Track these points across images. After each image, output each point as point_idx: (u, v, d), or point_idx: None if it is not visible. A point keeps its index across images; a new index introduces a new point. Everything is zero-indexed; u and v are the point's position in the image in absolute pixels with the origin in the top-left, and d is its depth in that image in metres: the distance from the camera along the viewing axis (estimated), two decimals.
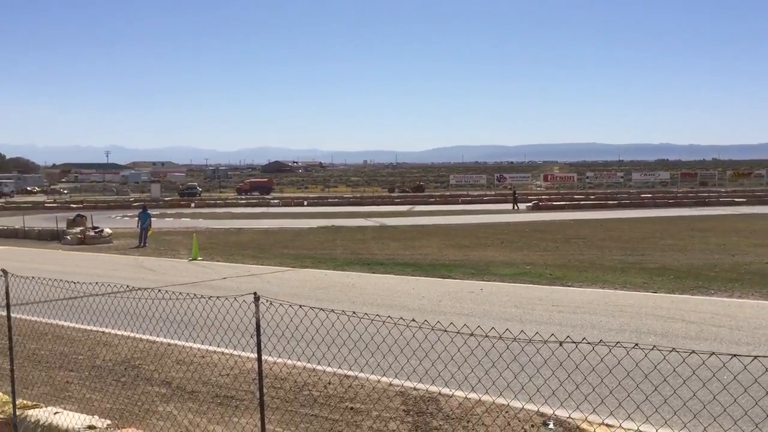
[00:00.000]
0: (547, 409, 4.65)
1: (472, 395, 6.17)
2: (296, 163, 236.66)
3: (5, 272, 5.76)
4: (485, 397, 5.69)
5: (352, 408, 7.33)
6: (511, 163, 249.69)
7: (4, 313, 10.78)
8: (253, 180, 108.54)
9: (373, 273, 18.75)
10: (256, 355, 8.17)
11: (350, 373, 7.87)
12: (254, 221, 43.67)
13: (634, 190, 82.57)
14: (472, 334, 3.81)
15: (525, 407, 5.49)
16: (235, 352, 8.82)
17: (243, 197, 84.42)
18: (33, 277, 5.96)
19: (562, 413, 4.53)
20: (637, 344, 3.44)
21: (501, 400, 5.59)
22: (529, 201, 59.31)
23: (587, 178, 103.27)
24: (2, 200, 79.42)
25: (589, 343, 3.51)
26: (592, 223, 37.71)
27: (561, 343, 3.47)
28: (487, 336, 3.73)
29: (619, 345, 3.45)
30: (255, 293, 4.50)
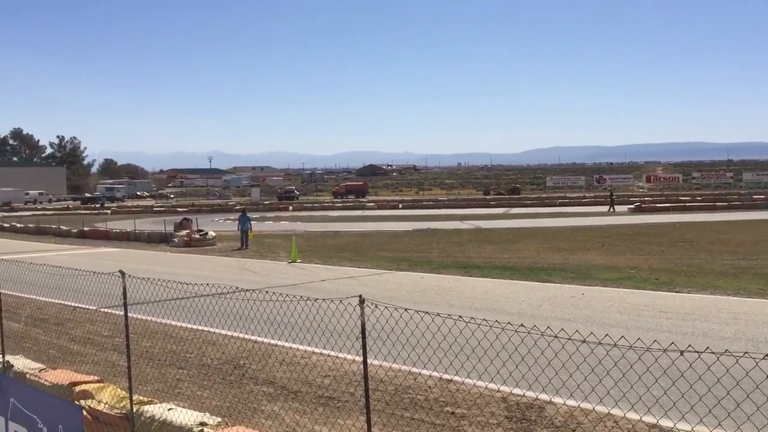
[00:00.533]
0: (667, 422, 4.43)
1: (579, 403, 5.98)
2: (390, 166, 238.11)
3: (123, 273, 6.04)
4: (591, 406, 5.49)
5: (453, 413, 7.28)
6: (611, 163, 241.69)
7: (121, 312, 11.30)
8: (348, 183, 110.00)
9: (470, 276, 18.60)
10: (356, 357, 8.29)
11: (451, 377, 7.79)
12: (350, 224, 44.23)
13: (746, 191, 78.10)
14: (584, 341, 3.67)
15: (638, 418, 5.27)
16: (341, 355, 8.91)
17: (339, 200, 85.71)
18: (148, 278, 6.22)
19: (684, 426, 4.30)
20: (767, 355, 3.21)
21: (610, 410, 5.38)
22: (631, 203, 57.23)
23: (693, 178, 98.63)
24: (114, 205, 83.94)
25: (713, 352, 3.31)
26: (700, 225, 35.98)
27: (682, 353, 3.29)
28: (601, 343, 3.58)
29: (746, 355, 3.24)
30: (360, 296, 4.52)
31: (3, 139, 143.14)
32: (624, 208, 53.58)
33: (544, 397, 6.82)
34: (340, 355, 8.48)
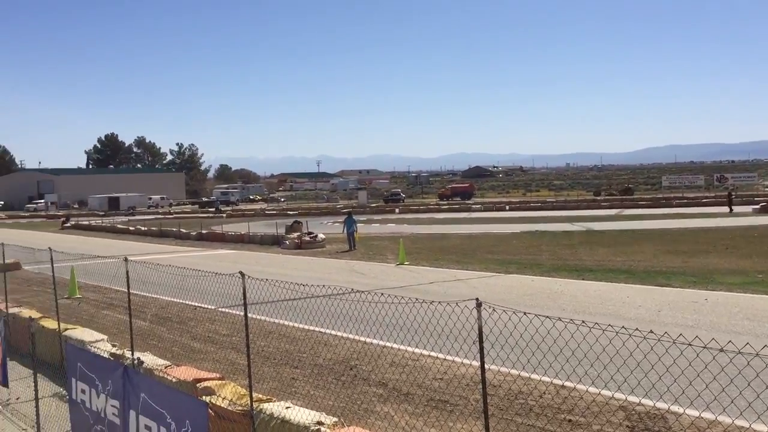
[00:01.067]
0: None
1: (716, 415, 5.64)
2: (496, 167, 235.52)
3: (243, 275, 6.22)
4: (728, 419, 5.15)
5: (570, 420, 7.05)
6: (733, 161, 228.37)
7: (237, 312, 11.64)
8: (454, 185, 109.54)
9: (582, 280, 18.02)
10: (467, 360, 8.20)
11: (567, 383, 7.55)
12: (457, 226, 43.99)
13: None
14: (721, 350, 3.43)
15: None
16: (454, 358, 8.83)
17: (445, 203, 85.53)
18: (265, 279, 6.38)
19: None
20: None
21: (751, 424, 5.03)
22: (756, 203, 53.74)
23: None
24: (229, 208, 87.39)
25: None
26: None
27: None
28: (740, 353, 3.34)
29: None
30: (477, 299, 4.44)
31: (128, 147, 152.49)
32: (748, 208, 50.42)
33: (663, 406, 6.49)
34: (456, 359, 8.40)
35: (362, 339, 10.40)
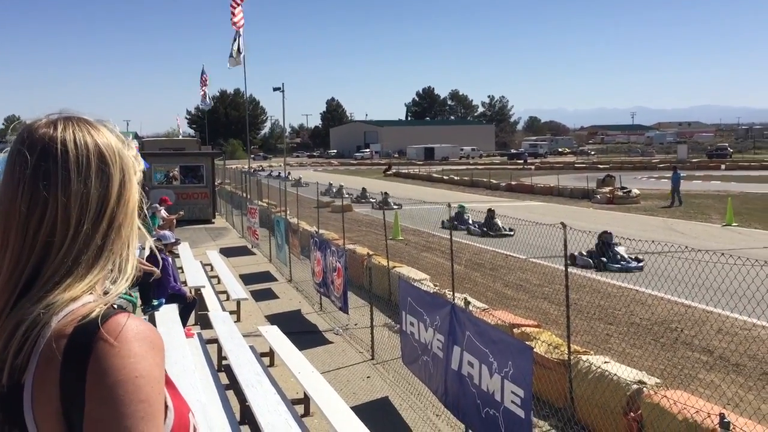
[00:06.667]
0: None
1: None
2: None
3: (564, 225, 6.21)
4: None
5: None
6: None
7: (549, 263, 11.72)
8: None
9: None
10: None
11: None
12: None
13: None
14: None
15: None
16: None
17: None
18: (589, 231, 6.30)
19: None
20: None
21: None
22: None
23: None
24: (537, 161, 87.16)
25: None
26: None
27: None
28: None
29: None
30: None
31: (443, 100, 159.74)
32: None
33: None
34: None
35: (683, 301, 9.80)
